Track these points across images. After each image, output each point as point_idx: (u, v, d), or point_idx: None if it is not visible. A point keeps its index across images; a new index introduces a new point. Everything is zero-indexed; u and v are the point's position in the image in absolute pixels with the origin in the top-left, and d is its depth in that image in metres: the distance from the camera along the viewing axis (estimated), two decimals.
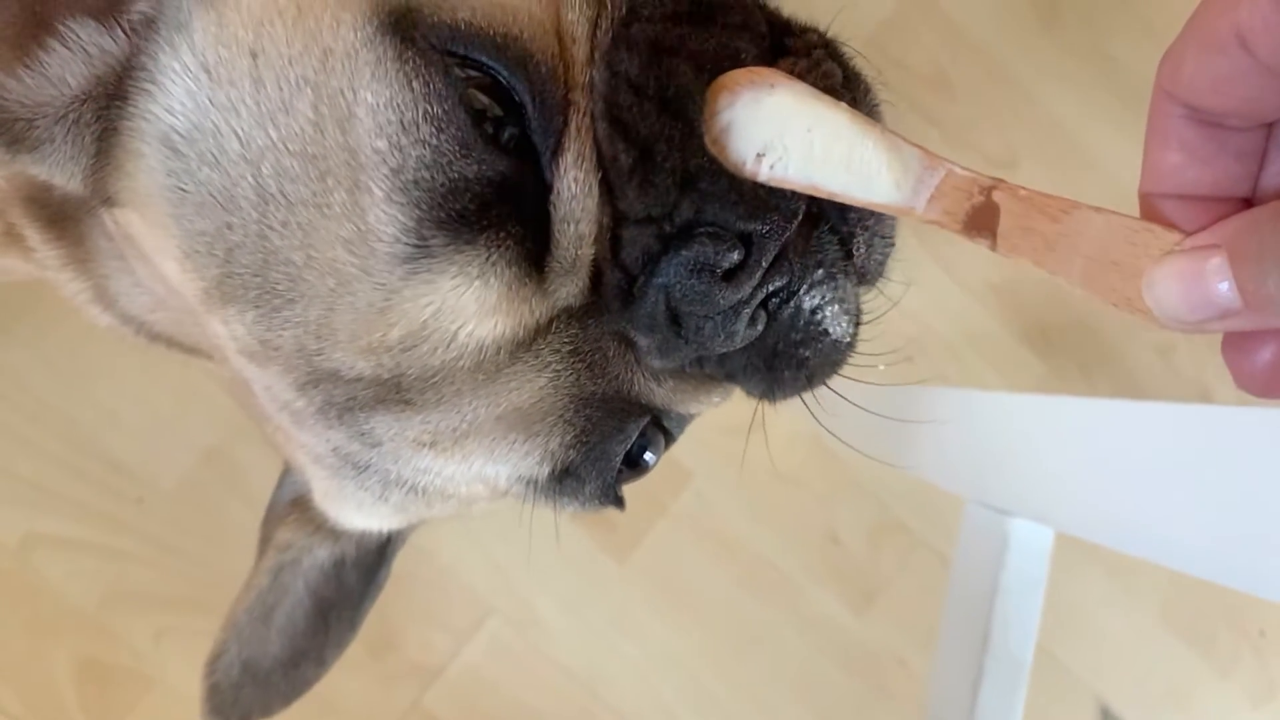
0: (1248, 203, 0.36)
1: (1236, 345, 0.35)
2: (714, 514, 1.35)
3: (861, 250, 0.47)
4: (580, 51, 0.44)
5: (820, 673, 1.37)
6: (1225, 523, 0.63)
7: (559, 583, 1.31)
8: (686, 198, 0.43)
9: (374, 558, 0.73)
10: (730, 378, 0.51)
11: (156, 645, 1.23)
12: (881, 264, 0.50)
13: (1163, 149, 0.36)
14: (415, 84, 0.42)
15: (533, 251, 0.44)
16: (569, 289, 0.46)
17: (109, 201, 0.50)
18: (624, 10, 0.45)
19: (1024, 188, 0.37)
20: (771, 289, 0.45)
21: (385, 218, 0.42)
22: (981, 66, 1.40)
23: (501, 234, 0.43)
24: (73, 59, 0.46)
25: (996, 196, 0.37)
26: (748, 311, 0.45)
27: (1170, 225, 0.35)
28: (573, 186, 0.44)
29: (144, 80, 0.45)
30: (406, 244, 0.42)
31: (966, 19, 1.39)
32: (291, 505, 0.69)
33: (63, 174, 0.48)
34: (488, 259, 0.43)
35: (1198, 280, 0.32)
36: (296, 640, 0.71)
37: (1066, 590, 1.36)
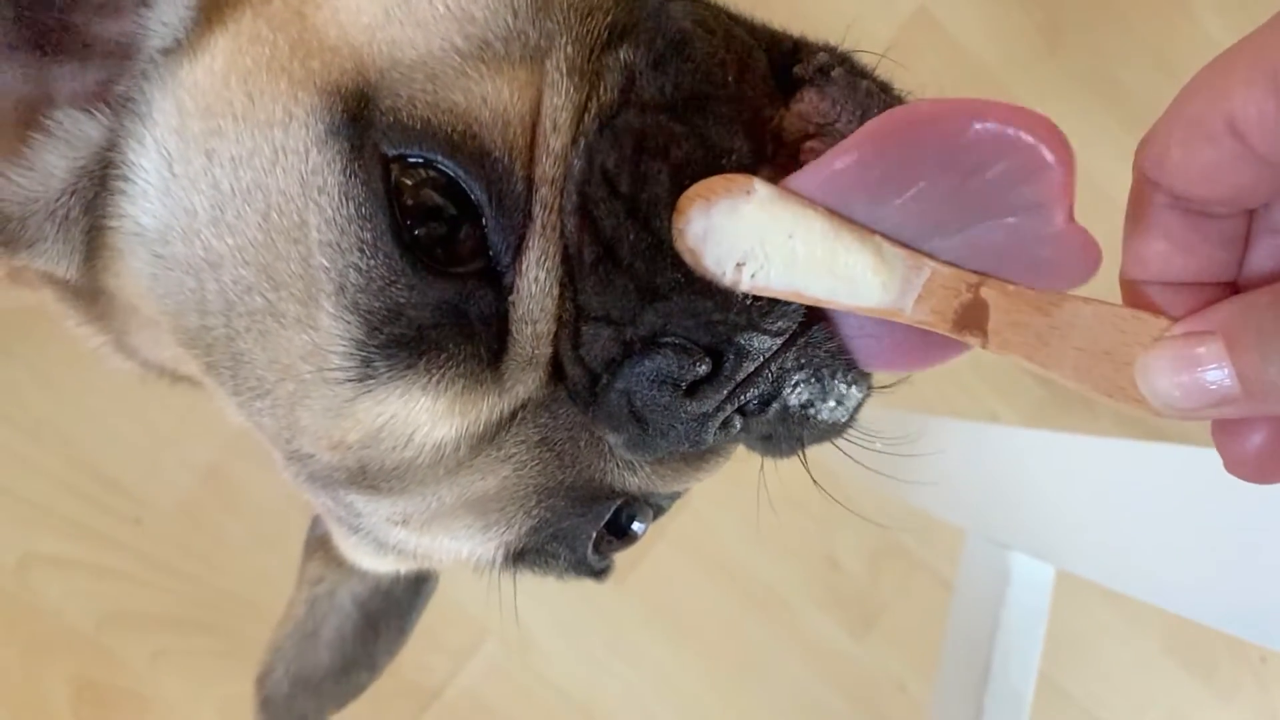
0: (1232, 286, 0.35)
1: (1227, 429, 0.34)
2: (713, 537, 1.35)
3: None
4: (558, 141, 0.42)
5: (819, 697, 1.36)
6: (1228, 568, 0.62)
7: (556, 605, 1.31)
8: (651, 308, 0.40)
9: (420, 572, 0.73)
10: (722, 446, 0.49)
11: (153, 665, 1.22)
12: None
13: (1145, 237, 0.35)
14: (351, 203, 0.41)
15: (485, 355, 0.43)
16: (528, 384, 0.44)
17: (106, 295, 0.52)
18: (615, 94, 0.42)
19: (1011, 282, 0.36)
20: (743, 400, 0.42)
21: (334, 335, 0.42)
22: (985, 90, 1.39)
23: (444, 355, 0.42)
24: (56, 150, 0.46)
25: (984, 293, 0.36)
26: (718, 419, 0.43)
27: (1158, 311, 0.34)
28: (532, 286, 0.42)
29: (118, 179, 0.46)
30: (352, 364, 0.42)
31: (971, 42, 1.39)
32: (320, 541, 0.71)
33: (59, 268, 0.49)
34: (430, 379, 0.42)
35: (1192, 366, 0.32)
36: (346, 651, 0.74)
37: (1068, 617, 1.36)
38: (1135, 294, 0.36)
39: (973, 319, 0.37)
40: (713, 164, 0.40)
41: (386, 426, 0.43)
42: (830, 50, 0.46)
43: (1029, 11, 1.40)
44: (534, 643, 1.30)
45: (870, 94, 0.42)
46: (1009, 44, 1.40)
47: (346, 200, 0.41)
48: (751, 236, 0.39)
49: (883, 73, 0.46)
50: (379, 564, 0.60)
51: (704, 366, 0.41)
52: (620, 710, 1.32)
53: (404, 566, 0.61)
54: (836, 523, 1.36)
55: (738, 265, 0.39)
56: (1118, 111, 1.41)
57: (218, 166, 0.43)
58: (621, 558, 1.39)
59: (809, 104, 0.42)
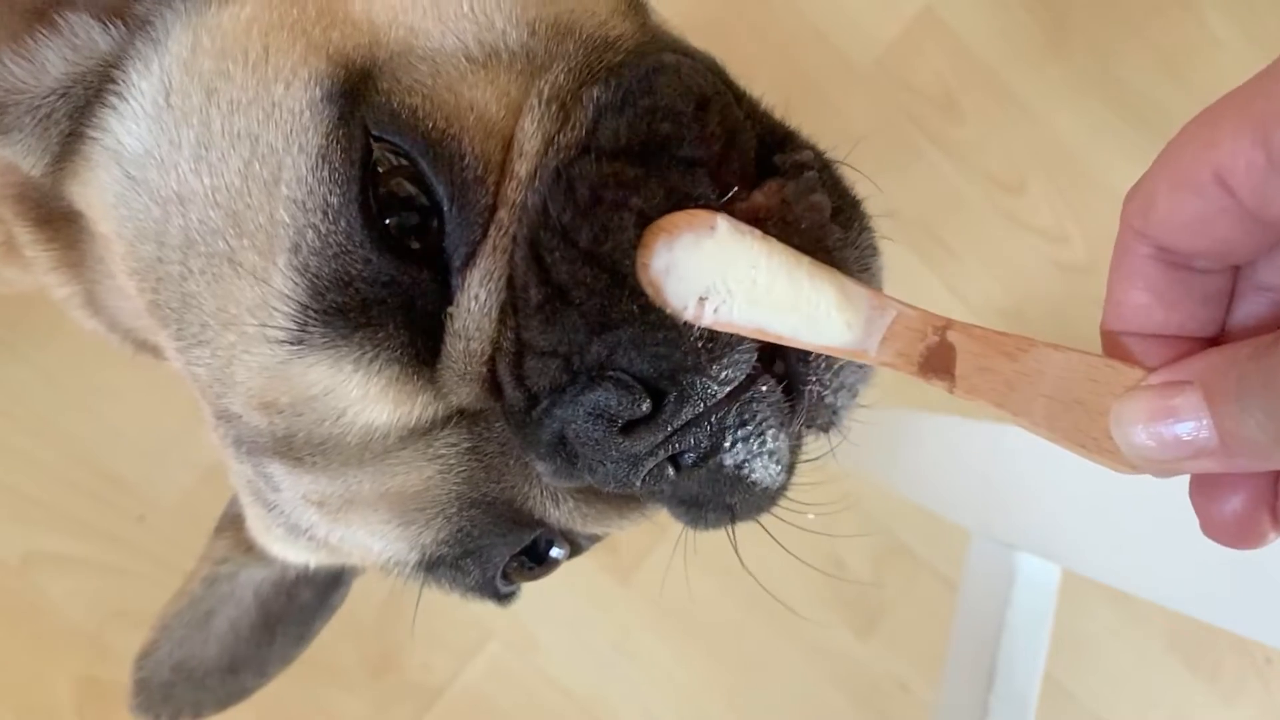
0: (1212, 343, 0.34)
1: (1205, 490, 0.34)
2: (716, 535, 1.34)
3: (814, 398, 0.44)
4: (524, 167, 0.42)
5: (822, 697, 1.36)
6: (1233, 568, 0.62)
7: (560, 604, 1.31)
8: (597, 341, 0.40)
9: (329, 578, 0.72)
10: (648, 499, 0.48)
11: None
12: (835, 413, 0.47)
13: (1128, 288, 0.35)
14: (326, 167, 0.41)
15: (421, 350, 0.43)
16: (462, 395, 0.44)
17: (64, 201, 0.52)
18: (580, 134, 0.42)
19: (978, 327, 0.36)
20: (679, 448, 0.42)
21: (281, 293, 0.42)
22: (989, 88, 1.39)
23: (380, 334, 0.42)
24: (59, 50, 0.46)
25: (951, 336, 0.36)
26: (649, 464, 0.42)
27: (1134, 362, 0.34)
28: (472, 304, 0.42)
29: (113, 94, 0.46)
30: (291, 325, 0.42)
31: (975, 40, 1.39)
32: (232, 520, 0.69)
33: (25, 162, 0.49)
34: (362, 355, 0.42)
35: (1169, 416, 0.31)
36: (238, 648, 0.71)
37: (1072, 617, 1.35)
38: (1115, 344, 0.35)
39: (939, 363, 0.36)
40: (675, 204, 0.40)
41: (318, 397, 0.43)
42: (816, 152, 0.46)
43: (1033, 10, 1.40)
44: (537, 642, 1.30)
45: (816, 209, 0.42)
46: (1014, 43, 1.40)
47: (322, 162, 0.41)
48: (714, 271, 0.39)
49: (857, 190, 0.46)
50: (288, 550, 0.58)
51: (644, 405, 0.40)
52: (623, 709, 1.32)
53: (313, 558, 0.60)
54: (840, 523, 1.36)
55: (700, 300, 0.39)
56: (1123, 110, 1.40)
57: (214, 106, 0.44)
58: (625, 557, 1.39)
59: (766, 194, 0.42)
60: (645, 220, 0.40)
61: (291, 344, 0.42)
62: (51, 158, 0.48)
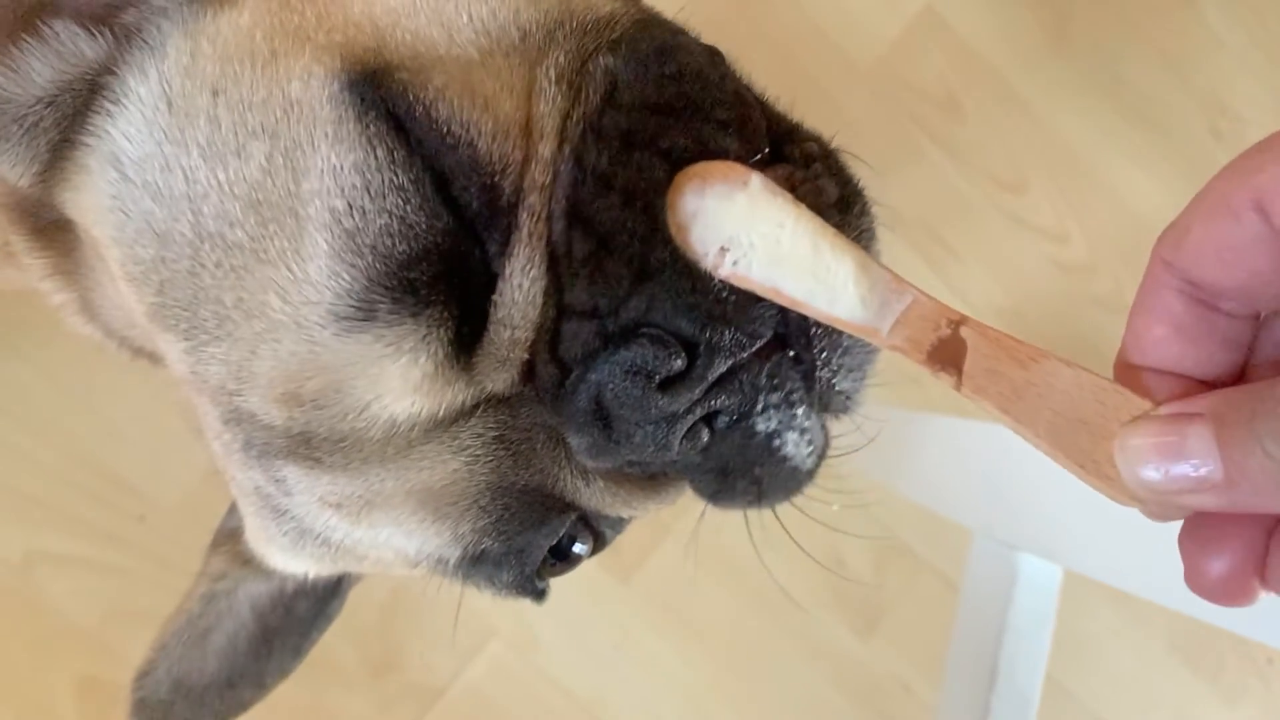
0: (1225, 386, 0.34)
1: (1198, 540, 0.33)
2: (718, 535, 1.34)
3: (824, 382, 0.45)
4: (547, 148, 0.43)
5: (823, 697, 1.36)
6: None
7: (562, 603, 1.31)
8: (637, 293, 0.41)
9: (326, 588, 0.72)
10: (677, 473, 0.48)
11: None
12: (848, 398, 0.47)
13: (1150, 321, 0.34)
14: (379, 150, 0.42)
15: (466, 337, 0.43)
16: (497, 380, 0.44)
17: (55, 209, 0.51)
18: (599, 97, 0.43)
19: (992, 328, 0.36)
20: (715, 406, 0.42)
21: (329, 273, 0.41)
22: (991, 88, 1.39)
23: (444, 313, 0.42)
24: (45, 58, 0.46)
25: (964, 332, 0.36)
26: (686, 423, 0.42)
27: (1146, 394, 0.33)
28: (515, 293, 0.43)
29: (108, 99, 0.46)
30: (348, 304, 0.41)
31: (977, 40, 1.39)
32: (229, 534, 0.68)
33: (13, 173, 0.48)
34: (423, 336, 0.42)
35: (1176, 446, 0.31)
36: (236, 662, 0.71)
37: (1074, 618, 1.35)
38: (1129, 378, 0.35)
39: (948, 356, 0.37)
40: (708, 156, 0.41)
41: (348, 384, 0.43)
42: (821, 143, 0.47)
43: (1035, 10, 1.40)
44: (539, 641, 1.30)
45: (821, 193, 0.43)
46: (1015, 42, 1.40)
47: (372, 145, 0.42)
48: (740, 224, 0.39)
49: (860, 180, 0.47)
50: (292, 560, 0.57)
51: (679, 361, 0.41)
52: (625, 709, 1.32)
53: (318, 566, 0.58)
54: (845, 523, 1.36)
55: (721, 249, 0.39)
56: (1124, 110, 1.40)
57: (222, 106, 0.44)
58: (627, 556, 1.39)
59: (777, 175, 0.43)
60: (675, 159, 0.41)
61: (346, 320, 0.42)
62: (40, 166, 0.48)
